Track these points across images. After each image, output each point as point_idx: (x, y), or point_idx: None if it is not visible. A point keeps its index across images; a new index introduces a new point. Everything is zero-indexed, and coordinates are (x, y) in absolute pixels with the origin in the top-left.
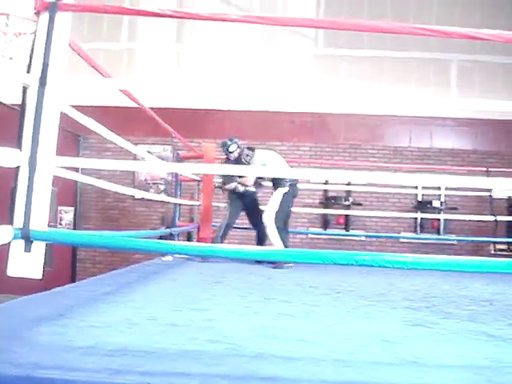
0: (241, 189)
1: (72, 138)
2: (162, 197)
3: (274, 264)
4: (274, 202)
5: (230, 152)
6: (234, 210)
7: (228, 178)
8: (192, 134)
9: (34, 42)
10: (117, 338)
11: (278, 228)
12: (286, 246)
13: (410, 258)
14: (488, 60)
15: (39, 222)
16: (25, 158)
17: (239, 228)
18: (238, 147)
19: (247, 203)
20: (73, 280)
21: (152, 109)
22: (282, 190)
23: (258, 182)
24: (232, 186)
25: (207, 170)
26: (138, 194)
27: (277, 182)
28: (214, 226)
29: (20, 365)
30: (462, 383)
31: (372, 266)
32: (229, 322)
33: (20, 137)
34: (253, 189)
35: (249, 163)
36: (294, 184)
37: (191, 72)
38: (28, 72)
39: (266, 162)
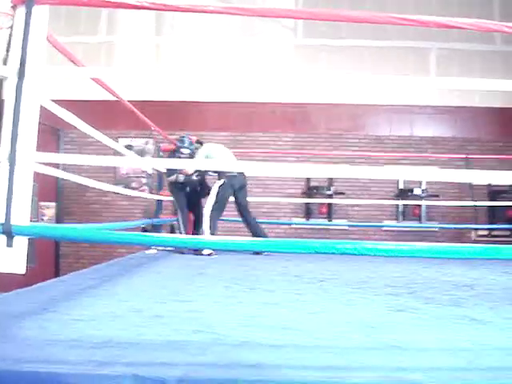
0: (181, 178)
1: (52, 133)
2: (141, 193)
3: (196, 251)
4: (211, 194)
5: (182, 153)
6: (182, 201)
7: (171, 171)
8: (174, 127)
9: (10, 35)
10: (101, 330)
11: (213, 218)
12: (262, 236)
13: (392, 246)
14: (466, 48)
15: (21, 217)
16: (4, 153)
17: (224, 220)
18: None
19: (189, 192)
20: (56, 276)
21: (133, 101)
22: (217, 183)
23: (199, 173)
24: (173, 177)
25: (185, 165)
26: (118, 190)
27: (218, 176)
28: None
29: (3, 359)
30: (443, 366)
31: (354, 254)
32: (213, 312)
33: None
34: (194, 178)
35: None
36: (232, 176)
37: (171, 65)
38: (5, 64)
39: (210, 155)
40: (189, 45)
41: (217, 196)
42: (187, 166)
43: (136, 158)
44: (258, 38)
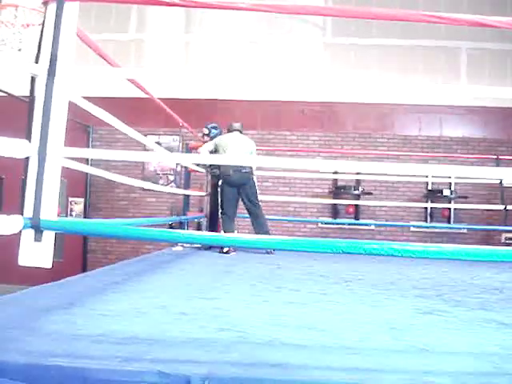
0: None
1: (82, 130)
2: (169, 188)
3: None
4: (218, 197)
5: (202, 134)
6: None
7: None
8: (202, 125)
9: (41, 32)
10: (126, 326)
11: (228, 217)
12: (265, 232)
13: (419, 247)
14: (497, 48)
15: (49, 212)
16: (34, 148)
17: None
18: (208, 134)
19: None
20: (83, 271)
21: (162, 99)
22: (219, 183)
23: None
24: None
25: (212, 160)
26: (147, 185)
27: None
28: None
29: (29, 353)
30: (470, 370)
31: (381, 254)
32: (239, 310)
33: (29, 128)
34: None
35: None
36: (226, 175)
37: (200, 62)
38: (36, 62)
39: (219, 148)
40: (218, 42)
41: (220, 196)
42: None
43: (160, 153)
44: (287, 36)
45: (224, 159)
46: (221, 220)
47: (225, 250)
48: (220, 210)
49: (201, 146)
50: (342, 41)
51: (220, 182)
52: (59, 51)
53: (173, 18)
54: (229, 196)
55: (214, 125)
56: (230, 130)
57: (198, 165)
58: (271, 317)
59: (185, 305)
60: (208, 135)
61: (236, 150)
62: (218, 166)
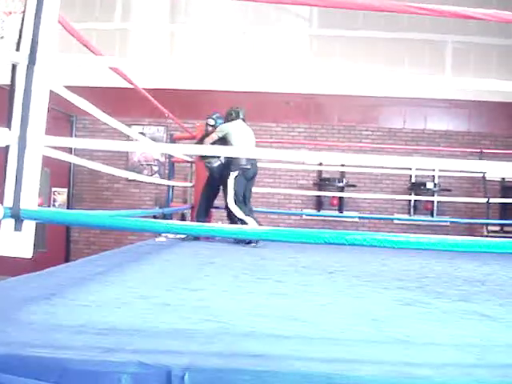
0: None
1: (65, 119)
2: (155, 179)
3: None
4: (229, 187)
5: (207, 124)
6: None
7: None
8: (187, 115)
9: (22, 19)
10: (108, 316)
11: (242, 208)
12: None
13: (402, 238)
14: (483, 41)
15: (29, 201)
16: (14, 137)
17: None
18: (214, 125)
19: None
20: (66, 261)
21: (146, 89)
22: (233, 175)
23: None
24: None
25: (197, 150)
26: (131, 175)
27: (230, 165)
28: None
29: (8, 344)
30: (451, 361)
31: (363, 245)
32: (221, 301)
33: (9, 116)
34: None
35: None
36: (245, 167)
37: (185, 53)
38: (17, 50)
39: (229, 136)
40: (203, 33)
41: (234, 188)
42: (201, 151)
43: (143, 143)
44: (272, 28)
45: (240, 151)
46: (238, 210)
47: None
48: (234, 202)
49: (189, 137)
50: (328, 32)
51: (234, 174)
52: (40, 38)
53: (158, 8)
54: (242, 189)
55: (218, 115)
56: (234, 118)
57: (204, 157)
58: (254, 308)
59: (167, 295)
60: (213, 126)
61: (247, 141)
62: (229, 157)
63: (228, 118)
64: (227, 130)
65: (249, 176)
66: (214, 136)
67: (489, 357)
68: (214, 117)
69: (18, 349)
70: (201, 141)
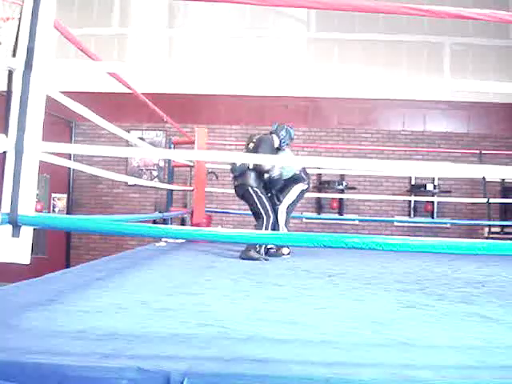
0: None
1: (65, 125)
2: (154, 183)
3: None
4: (292, 194)
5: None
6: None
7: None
8: (186, 120)
9: (19, 25)
10: (107, 322)
11: (288, 217)
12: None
13: (401, 240)
14: (481, 43)
15: (27, 207)
16: (11, 143)
17: (233, 213)
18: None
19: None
20: (66, 267)
21: (145, 94)
22: (301, 186)
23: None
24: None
25: (197, 155)
26: (131, 180)
27: (298, 178)
28: (207, 211)
29: (7, 350)
30: (451, 364)
31: (362, 248)
32: (221, 305)
33: (6, 122)
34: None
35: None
36: (307, 180)
37: (183, 57)
38: (14, 56)
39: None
40: (201, 37)
41: (296, 197)
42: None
43: (143, 149)
44: (270, 31)
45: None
46: (284, 215)
47: (286, 251)
48: (287, 207)
49: (188, 142)
50: (326, 35)
51: (305, 187)
52: (36, 44)
53: (156, 13)
54: (298, 202)
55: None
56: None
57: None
58: (253, 312)
59: (166, 300)
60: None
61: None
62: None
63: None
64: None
65: (307, 190)
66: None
67: (489, 359)
68: (284, 132)
69: (17, 355)
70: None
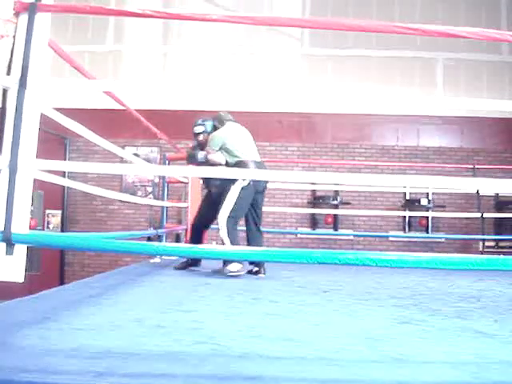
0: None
1: (59, 141)
2: (148, 200)
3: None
4: (230, 197)
5: (195, 134)
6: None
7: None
8: (180, 136)
9: (13, 43)
10: (101, 340)
11: (231, 228)
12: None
13: (395, 256)
14: (473, 58)
15: (20, 225)
16: (5, 161)
17: None
18: (205, 131)
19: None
20: (61, 284)
21: (139, 110)
22: (240, 184)
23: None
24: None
25: (192, 172)
26: (124, 197)
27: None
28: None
29: (0, 368)
30: (446, 379)
31: (356, 264)
32: (215, 322)
33: (0, 140)
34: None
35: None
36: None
37: (178, 74)
38: (8, 74)
39: (226, 145)
40: (195, 54)
41: (237, 200)
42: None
43: (137, 166)
44: (264, 48)
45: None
46: (225, 228)
47: (234, 268)
48: (227, 215)
49: (183, 158)
50: (320, 52)
51: (245, 183)
52: (31, 62)
53: (151, 30)
54: (248, 201)
55: (205, 118)
56: (223, 121)
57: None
58: (248, 329)
59: (160, 317)
60: (206, 132)
61: (249, 145)
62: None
63: (218, 123)
64: (222, 139)
65: (260, 187)
66: (211, 150)
67: (484, 374)
68: (200, 122)
69: (11, 374)
70: (192, 158)
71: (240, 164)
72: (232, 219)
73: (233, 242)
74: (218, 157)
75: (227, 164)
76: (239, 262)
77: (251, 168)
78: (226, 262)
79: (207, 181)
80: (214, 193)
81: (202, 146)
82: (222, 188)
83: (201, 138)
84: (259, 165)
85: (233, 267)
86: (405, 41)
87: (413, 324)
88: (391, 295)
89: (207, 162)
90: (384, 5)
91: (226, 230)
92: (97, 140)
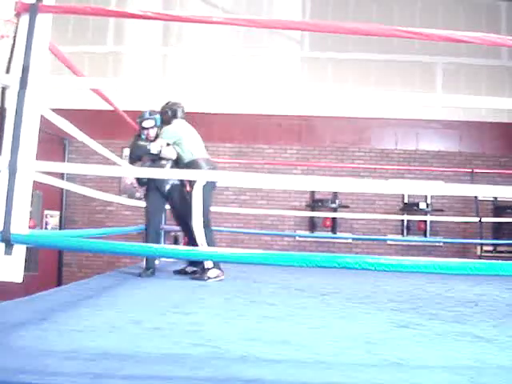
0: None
1: (58, 142)
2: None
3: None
4: (196, 200)
5: (144, 128)
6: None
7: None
8: None
9: (13, 43)
10: (99, 341)
11: (208, 231)
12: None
13: (393, 260)
14: (472, 62)
15: (20, 226)
16: (4, 162)
17: (226, 231)
18: (155, 125)
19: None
20: (59, 285)
21: (139, 111)
22: (199, 184)
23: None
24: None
25: (190, 174)
26: (120, 200)
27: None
28: None
29: None
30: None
31: (355, 268)
32: (213, 325)
33: (0, 140)
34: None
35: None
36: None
37: (178, 75)
38: (7, 73)
39: (180, 140)
40: (195, 56)
41: (203, 201)
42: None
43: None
44: (264, 50)
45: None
46: (202, 234)
47: (213, 274)
48: (202, 222)
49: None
50: (319, 55)
51: (203, 183)
52: (31, 62)
53: (151, 31)
54: (210, 200)
55: (152, 109)
56: (175, 116)
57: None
58: (246, 331)
59: (159, 320)
60: (156, 126)
61: (199, 143)
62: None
63: (167, 118)
64: (176, 134)
65: (215, 184)
66: (163, 142)
67: (482, 379)
68: (148, 115)
69: (9, 375)
70: (141, 149)
71: (193, 162)
72: (205, 222)
73: (210, 244)
74: (170, 151)
75: (178, 160)
76: (218, 267)
77: (204, 166)
78: (193, 264)
79: (158, 181)
80: (169, 191)
81: (148, 140)
82: (178, 187)
83: (151, 132)
84: (210, 163)
85: (212, 273)
86: (405, 45)
87: (411, 328)
88: (390, 299)
89: (157, 155)
90: (384, 10)
91: (203, 235)
92: (90, 143)
